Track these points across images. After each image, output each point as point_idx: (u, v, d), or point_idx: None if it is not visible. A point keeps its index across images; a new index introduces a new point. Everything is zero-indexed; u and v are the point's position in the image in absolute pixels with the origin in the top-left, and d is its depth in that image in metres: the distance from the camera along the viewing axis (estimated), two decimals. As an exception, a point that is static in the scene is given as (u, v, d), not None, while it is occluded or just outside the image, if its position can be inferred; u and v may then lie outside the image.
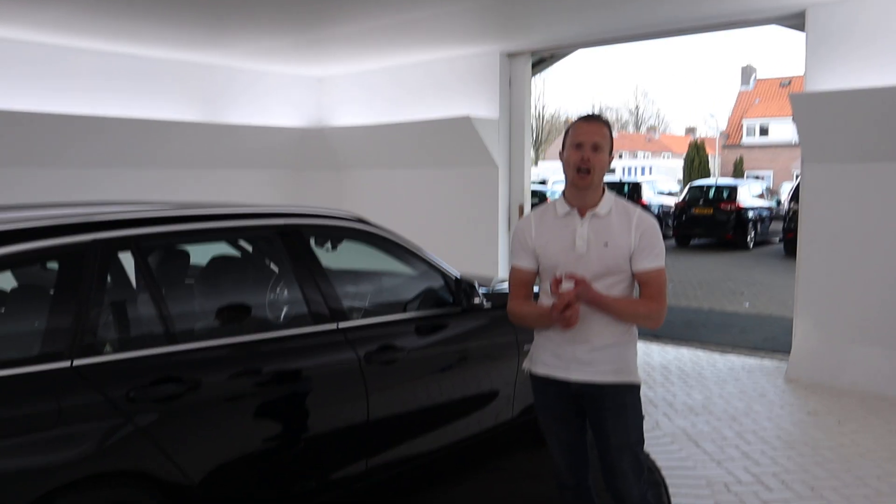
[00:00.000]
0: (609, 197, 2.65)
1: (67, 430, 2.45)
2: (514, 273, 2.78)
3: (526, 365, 2.84)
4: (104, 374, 2.59)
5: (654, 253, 2.60)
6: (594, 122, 2.63)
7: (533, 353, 2.81)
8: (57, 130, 6.79)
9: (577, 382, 2.64)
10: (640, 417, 2.70)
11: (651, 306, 2.60)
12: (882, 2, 5.42)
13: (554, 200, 2.73)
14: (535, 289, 2.84)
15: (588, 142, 2.57)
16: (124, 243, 2.86)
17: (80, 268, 2.68)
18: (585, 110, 52.45)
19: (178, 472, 2.68)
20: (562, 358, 2.66)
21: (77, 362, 2.54)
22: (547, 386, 2.74)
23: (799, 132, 5.87)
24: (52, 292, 2.76)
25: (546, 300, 2.67)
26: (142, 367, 2.70)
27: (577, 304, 2.50)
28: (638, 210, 2.67)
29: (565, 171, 2.63)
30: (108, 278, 2.85)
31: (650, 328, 2.65)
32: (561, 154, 2.69)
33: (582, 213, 2.63)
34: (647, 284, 2.61)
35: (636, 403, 2.68)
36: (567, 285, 2.54)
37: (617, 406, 2.63)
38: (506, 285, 4.58)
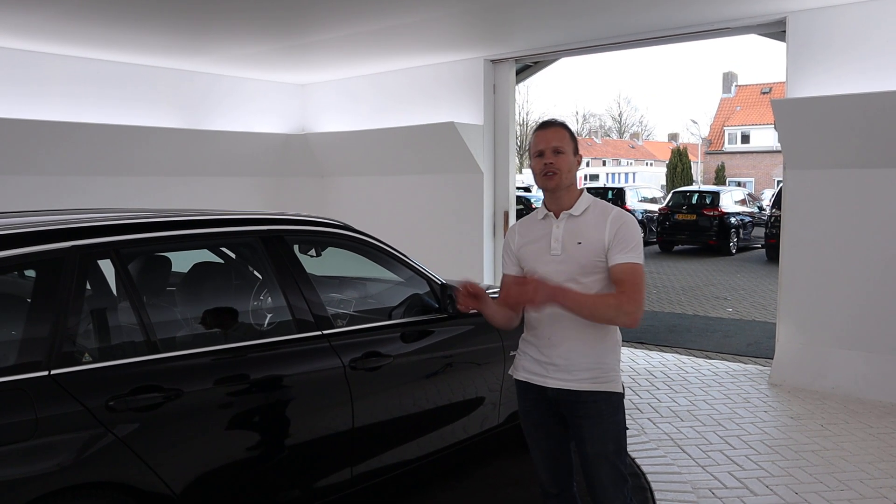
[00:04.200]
0: (586, 198, 2.64)
1: (45, 440, 2.40)
2: (503, 279, 2.81)
3: (510, 370, 2.84)
4: (83, 384, 2.55)
5: (628, 247, 2.52)
6: (550, 128, 2.63)
7: (516, 358, 2.80)
8: (35, 137, 6.71)
9: (553, 389, 2.62)
10: (621, 427, 2.62)
11: (621, 298, 2.45)
12: (861, 9, 5.49)
13: (538, 208, 2.75)
14: None
15: (547, 147, 2.58)
16: (104, 250, 2.81)
17: (59, 276, 2.63)
18: (588, 116, 52.52)
19: (159, 482, 2.64)
20: (540, 363, 2.65)
21: (55, 372, 2.50)
22: (527, 392, 2.73)
23: (781, 138, 5.92)
24: (29, 301, 2.71)
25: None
26: (122, 376, 2.65)
27: (475, 290, 2.54)
28: (616, 209, 2.63)
29: (535, 181, 2.65)
30: (88, 286, 2.81)
31: (626, 325, 2.52)
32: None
33: (557, 216, 2.63)
34: (620, 281, 2.51)
35: (614, 413, 2.60)
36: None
37: (592, 414, 2.57)
38: (491, 292, 4.60)
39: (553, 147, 2.57)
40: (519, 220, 2.81)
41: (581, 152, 2.70)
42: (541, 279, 2.48)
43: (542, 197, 2.71)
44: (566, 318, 2.55)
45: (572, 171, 2.61)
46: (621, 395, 2.65)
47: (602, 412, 2.58)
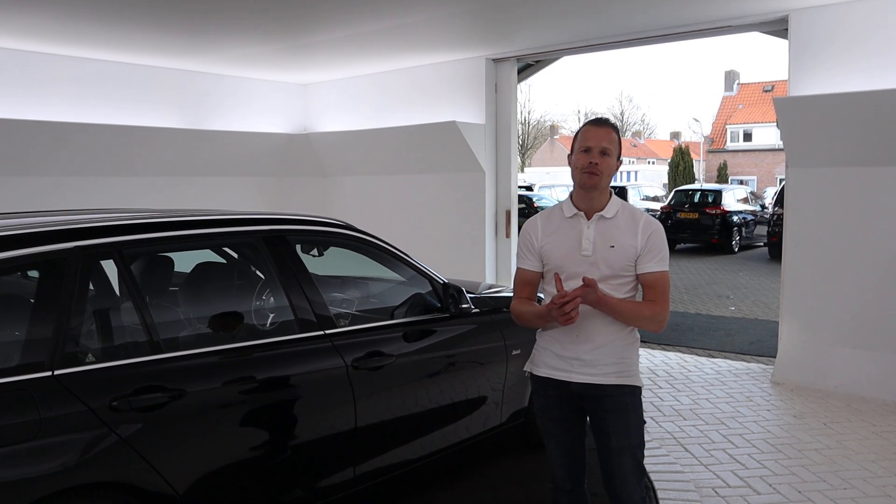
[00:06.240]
0: (616, 201, 2.68)
1: (49, 440, 2.40)
2: (519, 273, 2.80)
3: (527, 367, 2.84)
4: (86, 384, 2.55)
5: (659, 256, 2.62)
6: (603, 127, 2.66)
7: (534, 354, 2.80)
8: (37, 138, 6.71)
9: (578, 384, 2.64)
10: (641, 420, 2.70)
11: (655, 309, 2.60)
12: (864, 7, 5.48)
13: (561, 202, 2.74)
14: (541, 295, 2.83)
15: (596, 146, 2.60)
16: (107, 251, 2.82)
17: (62, 276, 2.64)
18: (590, 115, 52.36)
19: (162, 482, 2.64)
20: (564, 359, 2.66)
21: (58, 372, 2.50)
22: (547, 388, 2.74)
23: (783, 136, 5.91)
24: (32, 301, 2.71)
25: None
26: (125, 376, 2.66)
27: (578, 301, 2.48)
28: (645, 214, 2.70)
29: (573, 174, 2.66)
30: (91, 286, 2.81)
31: (653, 331, 2.64)
32: (569, 158, 2.71)
33: (588, 216, 2.65)
34: (651, 287, 2.62)
35: (637, 406, 2.68)
36: (573, 283, 2.55)
37: (618, 407, 2.63)
38: (493, 291, 4.60)
39: (602, 147, 2.61)
40: (538, 215, 2.80)
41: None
42: (594, 283, 2.49)
43: (571, 193, 2.73)
44: (594, 314, 2.60)
45: (611, 174, 2.65)
46: (641, 389, 2.72)
47: (626, 405, 2.65)
